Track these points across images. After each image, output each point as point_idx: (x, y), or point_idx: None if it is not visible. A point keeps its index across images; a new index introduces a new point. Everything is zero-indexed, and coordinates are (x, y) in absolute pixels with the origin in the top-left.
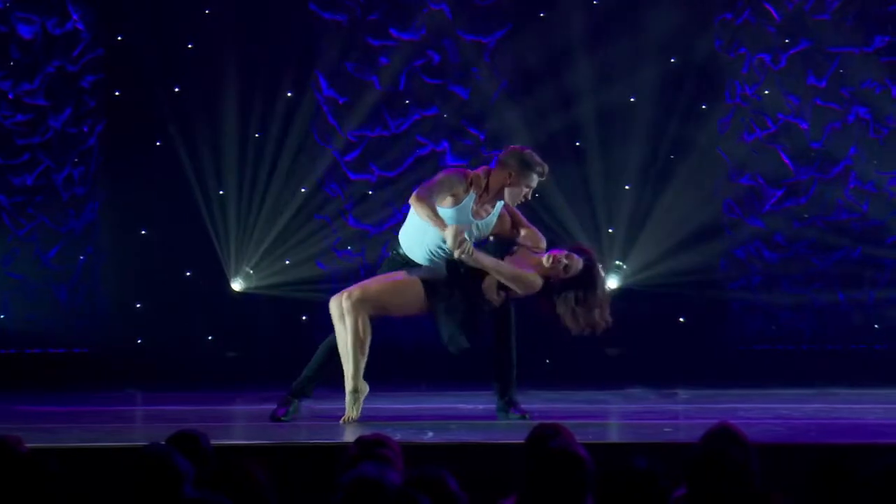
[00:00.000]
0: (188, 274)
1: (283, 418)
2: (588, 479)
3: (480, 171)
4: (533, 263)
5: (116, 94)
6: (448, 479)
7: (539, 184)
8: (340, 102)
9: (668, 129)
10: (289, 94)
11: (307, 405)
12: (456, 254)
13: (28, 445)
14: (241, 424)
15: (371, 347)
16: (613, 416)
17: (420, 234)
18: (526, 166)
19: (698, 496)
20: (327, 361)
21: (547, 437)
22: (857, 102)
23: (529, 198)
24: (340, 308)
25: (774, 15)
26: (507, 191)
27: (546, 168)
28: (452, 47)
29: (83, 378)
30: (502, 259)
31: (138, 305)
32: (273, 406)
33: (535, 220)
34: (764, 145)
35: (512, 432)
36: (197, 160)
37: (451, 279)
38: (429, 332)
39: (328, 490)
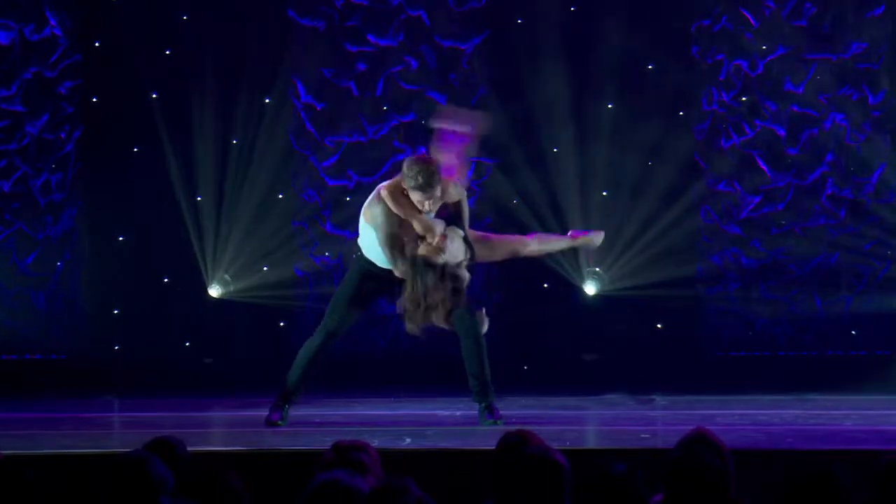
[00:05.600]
0: (166, 280)
1: (280, 423)
2: (566, 485)
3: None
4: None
5: (94, 100)
6: (412, 487)
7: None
8: (318, 108)
9: (646, 136)
10: (266, 101)
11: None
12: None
13: (4, 452)
14: (218, 431)
15: (348, 354)
16: (591, 422)
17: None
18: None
19: (675, 502)
20: (310, 365)
21: (517, 444)
22: (835, 109)
23: (426, 208)
24: None
25: (752, 21)
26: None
27: (422, 179)
28: (430, 53)
29: (60, 384)
30: None
31: (116, 312)
32: (254, 412)
33: (511, 226)
34: (741, 152)
35: (489, 439)
36: (174, 166)
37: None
38: (405, 339)
39: None
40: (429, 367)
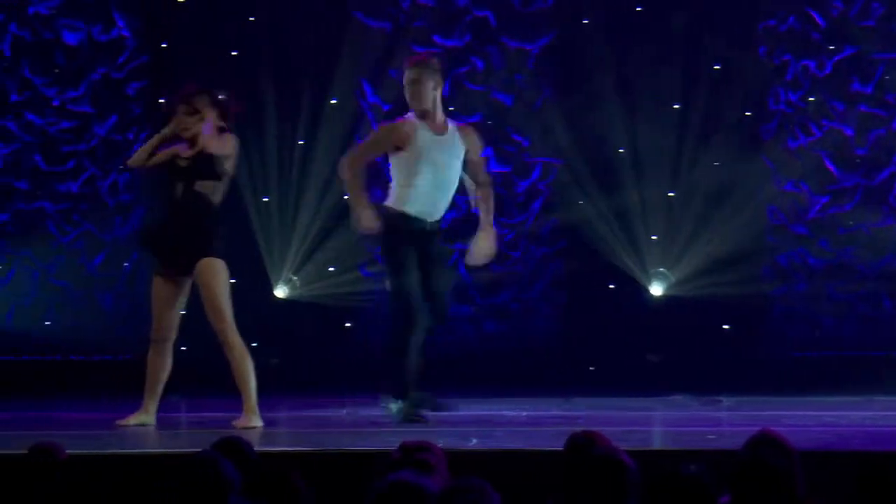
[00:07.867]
0: (233, 281)
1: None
2: (632, 486)
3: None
4: None
5: (161, 101)
6: (488, 489)
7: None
8: (385, 109)
9: (712, 136)
10: (333, 101)
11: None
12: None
13: (70, 452)
14: (284, 431)
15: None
16: (657, 423)
17: None
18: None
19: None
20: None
21: (584, 445)
22: None
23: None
24: None
25: (819, 21)
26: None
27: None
28: (496, 54)
29: (127, 385)
30: None
31: (183, 312)
32: (319, 412)
33: (578, 226)
34: (808, 152)
35: (555, 439)
36: (241, 167)
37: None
38: (463, 338)
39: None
40: (493, 367)
